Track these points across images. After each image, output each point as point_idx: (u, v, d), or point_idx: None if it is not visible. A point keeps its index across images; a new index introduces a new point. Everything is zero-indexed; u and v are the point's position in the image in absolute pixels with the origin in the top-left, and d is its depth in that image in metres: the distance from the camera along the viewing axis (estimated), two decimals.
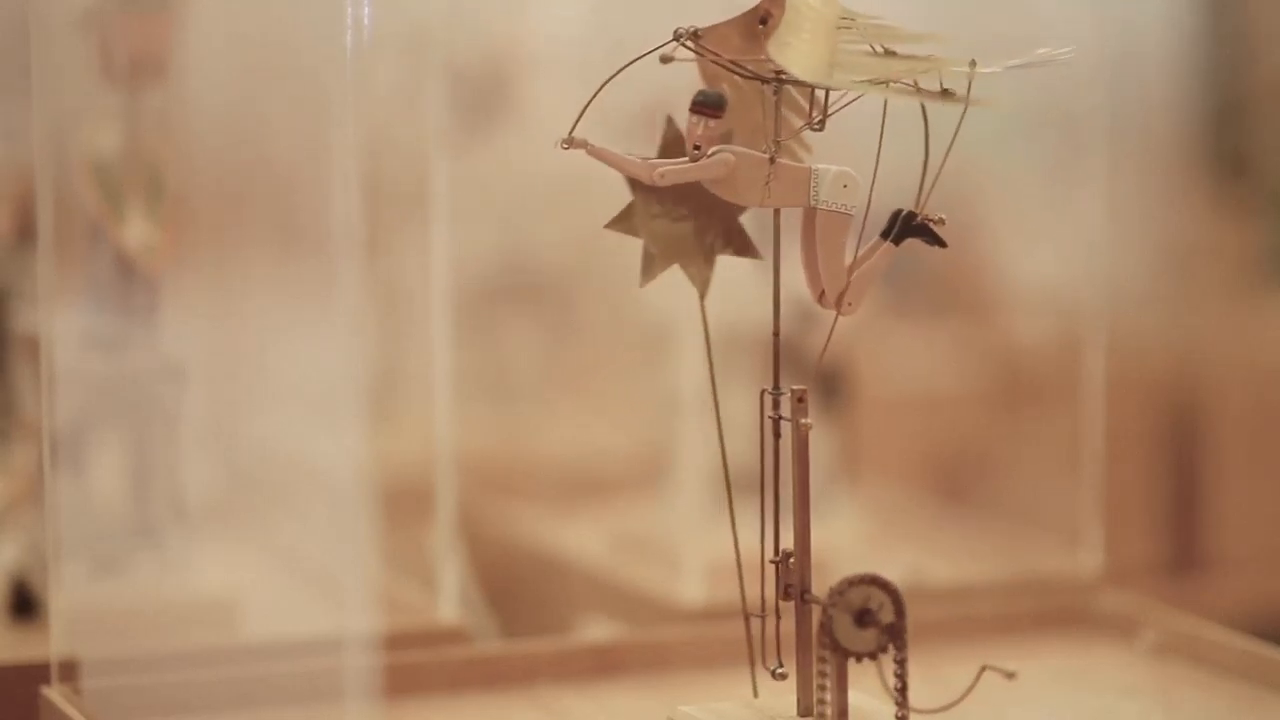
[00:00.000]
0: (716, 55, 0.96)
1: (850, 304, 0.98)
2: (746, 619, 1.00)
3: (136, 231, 1.34)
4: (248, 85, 1.57)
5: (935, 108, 0.94)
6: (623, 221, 0.99)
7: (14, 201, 1.50)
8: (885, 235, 0.98)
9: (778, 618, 1.00)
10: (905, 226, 0.98)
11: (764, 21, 0.96)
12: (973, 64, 0.94)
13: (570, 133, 0.95)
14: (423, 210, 1.40)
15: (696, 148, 0.96)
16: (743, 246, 1.00)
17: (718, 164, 0.96)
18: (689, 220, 0.99)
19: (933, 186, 0.97)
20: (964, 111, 0.94)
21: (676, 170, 0.96)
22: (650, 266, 0.99)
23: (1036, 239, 2.17)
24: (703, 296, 1.00)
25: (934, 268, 2.21)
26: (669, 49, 0.96)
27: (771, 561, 0.99)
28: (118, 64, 1.34)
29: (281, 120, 1.58)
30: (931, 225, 0.98)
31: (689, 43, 0.96)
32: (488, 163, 1.89)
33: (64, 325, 1.30)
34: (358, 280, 1.07)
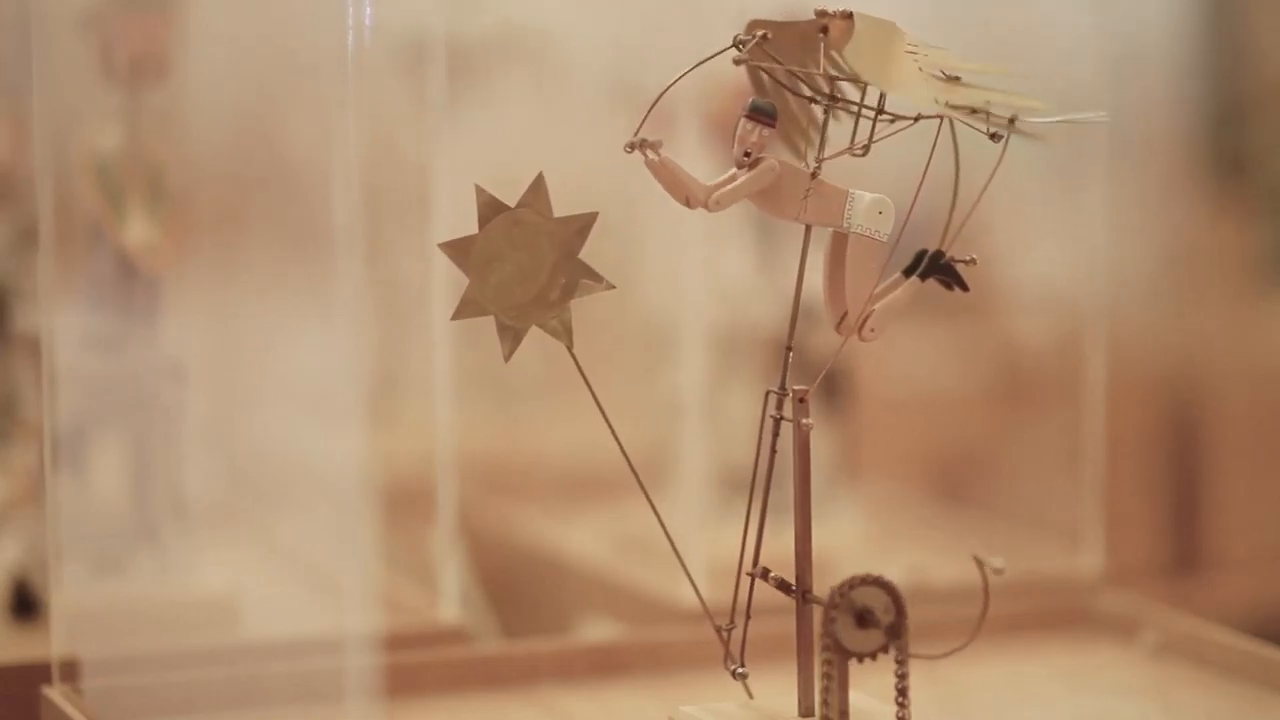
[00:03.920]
0: (780, 65, 0.95)
1: (873, 331, 0.98)
2: (717, 630, 1.00)
3: (137, 231, 1.34)
4: (248, 85, 1.57)
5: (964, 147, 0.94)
6: (468, 307, 0.94)
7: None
8: (908, 273, 0.98)
9: (747, 620, 0.99)
10: (932, 264, 0.98)
11: (824, 31, 0.95)
12: (1012, 121, 0.94)
13: (636, 133, 0.93)
14: (423, 210, 1.40)
15: (747, 154, 0.94)
16: (590, 281, 0.97)
17: (767, 172, 0.95)
18: (532, 280, 0.95)
19: (961, 226, 0.97)
20: (1003, 150, 0.94)
21: (730, 194, 0.94)
22: (509, 338, 0.96)
23: (1037, 239, 2.17)
24: (570, 346, 0.97)
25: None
26: (739, 53, 0.95)
27: (749, 574, 0.99)
28: (118, 64, 1.34)
29: (282, 120, 1.58)
30: (957, 267, 0.98)
31: (743, 51, 0.94)
32: (488, 162, 1.89)
33: (64, 325, 1.30)
34: (358, 280, 1.07)
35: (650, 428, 1.78)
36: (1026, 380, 2.11)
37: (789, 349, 0.99)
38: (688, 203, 0.95)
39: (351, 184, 1.06)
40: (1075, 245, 1.65)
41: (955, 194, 0.97)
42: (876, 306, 0.98)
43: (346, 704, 1.01)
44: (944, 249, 0.98)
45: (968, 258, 0.98)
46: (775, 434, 0.99)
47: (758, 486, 0.99)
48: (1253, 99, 2.52)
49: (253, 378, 1.66)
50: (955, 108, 0.93)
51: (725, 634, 0.99)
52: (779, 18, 0.96)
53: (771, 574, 0.98)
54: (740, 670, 0.99)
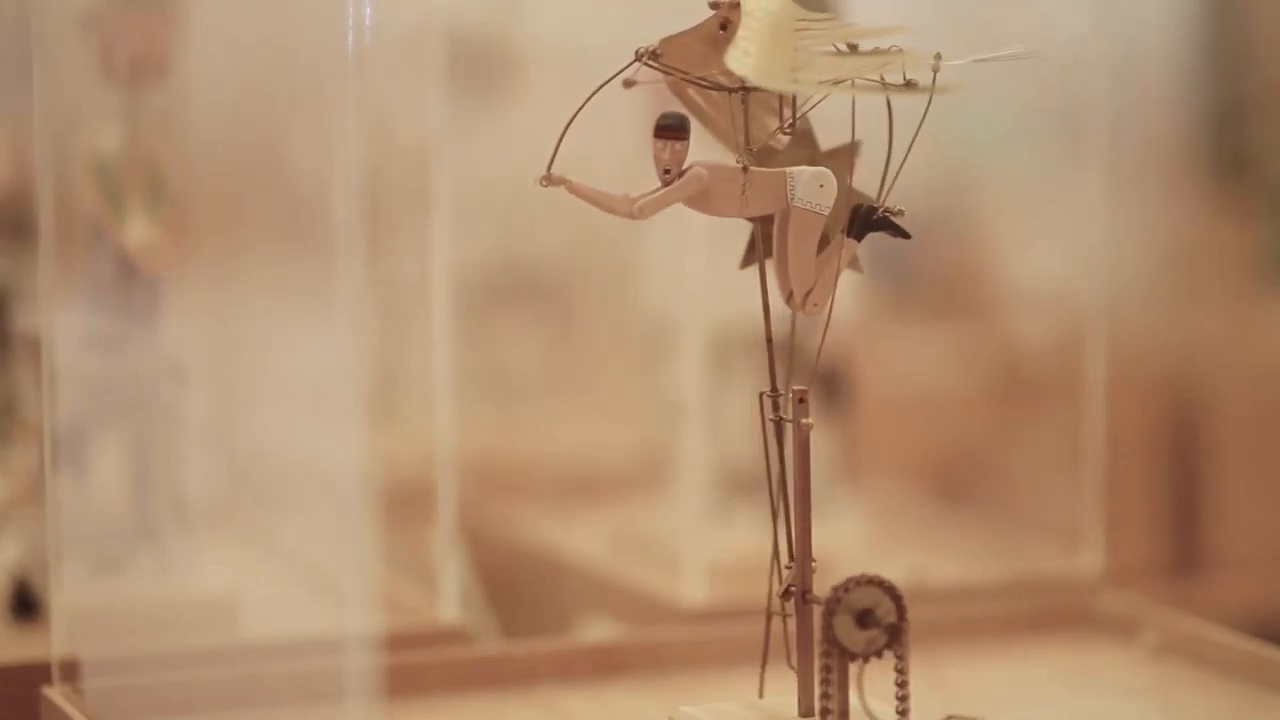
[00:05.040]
0: (681, 72, 0.96)
1: (816, 305, 0.98)
2: (769, 617, 0.99)
3: (137, 231, 1.34)
4: (248, 85, 1.57)
5: (910, 102, 0.94)
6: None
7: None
8: (847, 232, 0.98)
9: (785, 617, 0.99)
10: (866, 221, 0.98)
11: (724, 27, 0.95)
12: (938, 57, 0.93)
13: (548, 168, 0.94)
14: (423, 210, 1.40)
15: (667, 171, 0.95)
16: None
17: (691, 182, 0.95)
18: None
19: (895, 179, 0.97)
20: (928, 103, 0.93)
21: (654, 200, 0.95)
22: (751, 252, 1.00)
23: (1037, 239, 2.17)
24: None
25: (935, 268, 2.21)
26: (631, 72, 0.95)
27: (788, 567, 0.99)
28: (118, 64, 1.34)
29: (282, 120, 1.58)
30: (892, 217, 0.98)
31: (650, 62, 0.95)
32: (489, 162, 1.89)
33: (64, 325, 1.30)
34: (358, 280, 1.07)
35: (650, 428, 1.78)
36: (1026, 380, 2.11)
37: (769, 340, 0.99)
38: (616, 214, 0.96)
39: (351, 184, 1.06)
40: (1075, 245, 1.65)
41: (889, 152, 0.97)
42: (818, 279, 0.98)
43: (346, 704, 1.01)
44: (878, 205, 0.98)
45: (897, 208, 0.98)
46: (779, 435, 0.99)
47: (768, 486, 0.99)
48: (1253, 99, 2.52)
49: (253, 378, 1.66)
50: (849, 82, 0.93)
51: (783, 623, 0.99)
52: None
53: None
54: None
